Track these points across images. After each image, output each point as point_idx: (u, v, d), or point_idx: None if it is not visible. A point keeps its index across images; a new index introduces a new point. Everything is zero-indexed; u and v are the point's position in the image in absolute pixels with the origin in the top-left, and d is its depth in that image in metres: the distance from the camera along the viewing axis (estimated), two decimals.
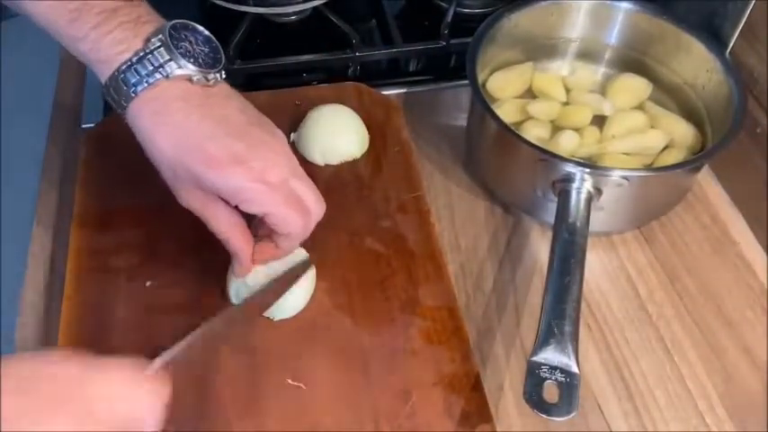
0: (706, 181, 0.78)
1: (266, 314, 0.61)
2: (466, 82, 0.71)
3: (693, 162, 0.70)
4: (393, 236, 0.68)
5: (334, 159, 0.73)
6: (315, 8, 0.88)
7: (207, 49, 0.54)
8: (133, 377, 0.44)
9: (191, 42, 0.54)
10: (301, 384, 0.58)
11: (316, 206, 0.57)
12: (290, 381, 0.58)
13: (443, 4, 0.93)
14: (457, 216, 0.74)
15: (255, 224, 0.58)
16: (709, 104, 0.76)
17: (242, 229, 0.57)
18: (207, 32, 0.55)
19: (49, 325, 0.64)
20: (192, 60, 0.53)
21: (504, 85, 0.78)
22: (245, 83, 0.86)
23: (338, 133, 0.73)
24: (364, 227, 0.68)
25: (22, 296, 0.66)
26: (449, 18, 0.88)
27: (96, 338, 0.59)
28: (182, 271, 0.62)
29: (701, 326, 0.67)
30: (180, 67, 0.52)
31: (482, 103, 0.69)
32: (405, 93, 0.85)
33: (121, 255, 0.64)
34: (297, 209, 0.55)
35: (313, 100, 0.76)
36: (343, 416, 0.56)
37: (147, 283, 0.63)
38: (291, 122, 0.75)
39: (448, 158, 0.79)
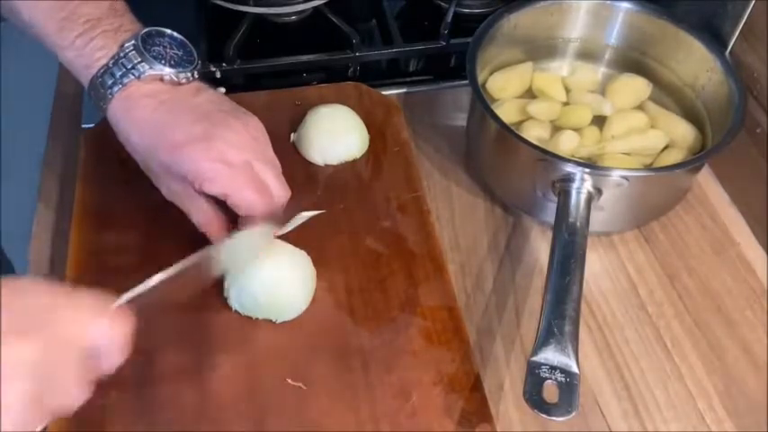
0: (706, 181, 0.78)
1: (268, 317, 0.61)
2: (466, 82, 0.71)
3: (693, 162, 0.70)
4: (393, 236, 0.68)
5: (334, 159, 0.73)
6: (315, 8, 0.88)
7: (180, 52, 0.58)
8: (99, 306, 0.45)
9: (164, 47, 0.57)
10: (301, 384, 0.58)
11: (279, 191, 0.58)
12: (290, 381, 0.58)
13: (443, 4, 0.93)
14: (457, 216, 0.74)
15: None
16: (709, 104, 0.76)
17: (220, 221, 0.59)
18: (181, 37, 0.59)
19: None
20: (163, 62, 0.56)
21: (504, 85, 0.78)
22: (245, 83, 0.86)
23: (338, 133, 0.73)
24: (364, 227, 0.68)
25: None
26: (449, 18, 0.88)
27: None
28: None
29: (701, 326, 0.67)
30: (151, 67, 0.56)
31: (482, 103, 0.69)
32: (405, 93, 0.85)
33: (121, 255, 0.64)
34: (258, 191, 0.57)
35: (313, 100, 0.76)
36: (343, 416, 0.56)
37: None
38: (291, 122, 0.75)
39: (448, 158, 0.79)
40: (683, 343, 0.66)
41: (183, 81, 0.57)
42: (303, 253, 0.63)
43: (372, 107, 0.78)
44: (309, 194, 0.70)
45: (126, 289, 0.62)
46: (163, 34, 0.58)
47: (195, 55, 0.59)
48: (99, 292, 0.45)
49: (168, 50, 0.57)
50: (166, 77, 0.56)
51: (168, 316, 0.60)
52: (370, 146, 0.75)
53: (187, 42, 0.59)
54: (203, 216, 0.59)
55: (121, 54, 0.55)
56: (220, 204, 0.58)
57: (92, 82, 0.56)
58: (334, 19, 0.87)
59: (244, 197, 0.56)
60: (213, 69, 0.84)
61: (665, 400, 0.62)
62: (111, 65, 0.55)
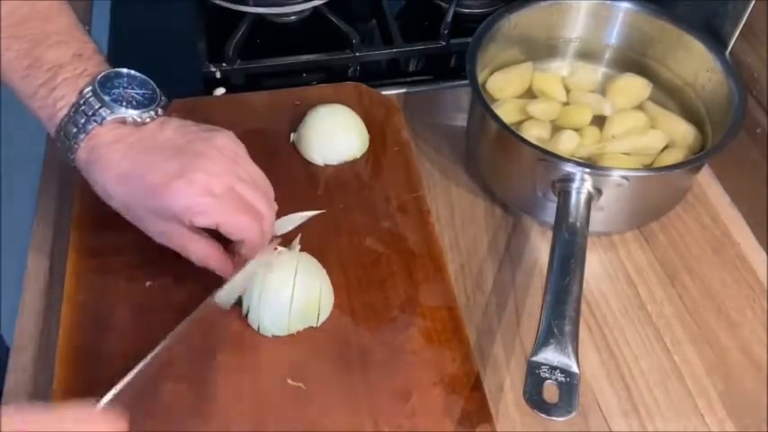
0: (706, 181, 0.78)
1: (308, 326, 0.61)
2: (466, 82, 0.71)
3: (693, 162, 0.70)
4: (393, 236, 0.68)
5: (334, 159, 0.73)
6: (315, 8, 0.88)
7: (142, 91, 0.57)
8: (88, 415, 0.45)
9: (123, 87, 0.56)
10: (301, 384, 0.58)
11: (267, 210, 0.58)
12: (290, 381, 0.58)
13: (443, 4, 0.93)
14: (457, 216, 0.74)
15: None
16: (709, 104, 0.76)
17: (217, 252, 0.58)
18: (141, 75, 0.58)
19: (49, 325, 0.64)
20: (124, 104, 0.55)
21: (504, 85, 0.78)
22: (245, 83, 0.86)
23: (338, 133, 0.73)
24: (364, 227, 0.68)
25: (22, 296, 0.66)
26: (449, 18, 0.88)
27: (96, 339, 0.59)
28: (182, 271, 0.62)
29: (701, 326, 0.67)
30: (112, 111, 0.54)
31: (482, 103, 0.69)
32: (405, 93, 0.85)
33: (121, 255, 0.64)
34: (248, 214, 0.56)
35: (313, 100, 0.76)
36: (343, 416, 0.56)
37: (147, 283, 0.63)
38: (291, 122, 0.75)
39: (448, 158, 0.79)
40: (683, 343, 0.66)
41: (148, 120, 0.56)
42: (306, 254, 0.63)
43: (372, 107, 0.78)
44: (309, 194, 0.70)
45: (125, 290, 0.63)
46: (121, 75, 0.57)
47: (157, 91, 0.57)
48: (79, 401, 0.45)
49: (128, 91, 0.56)
50: (129, 120, 0.55)
51: (169, 317, 0.61)
52: (370, 146, 0.75)
53: (147, 79, 0.58)
54: (201, 251, 0.58)
55: (81, 101, 0.54)
56: (212, 233, 0.57)
57: (57, 133, 0.55)
58: (334, 19, 0.88)
59: (236, 223, 0.56)
60: (213, 69, 0.84)
61: (665, 400, 0.62)
62: (72, 113, 0.54)
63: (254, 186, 0.57)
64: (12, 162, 1.69)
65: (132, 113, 0.55)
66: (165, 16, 0.93)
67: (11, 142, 1.74)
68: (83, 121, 0.54)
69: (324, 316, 0.61)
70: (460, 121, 0.81)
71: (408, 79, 0.88)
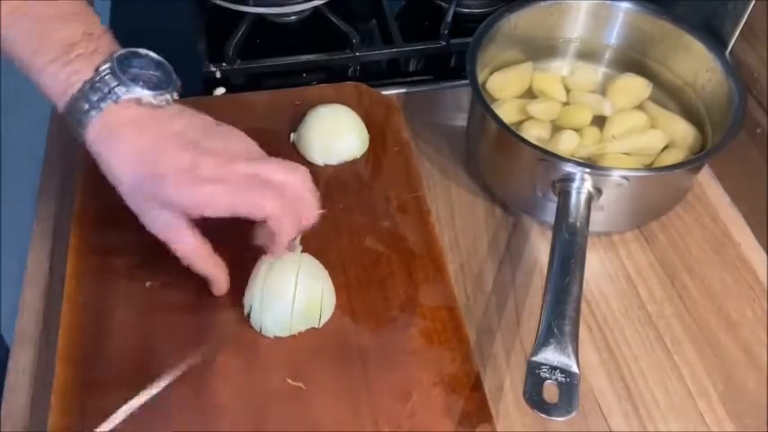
0: (706, 181, 0.78)
1: (309, 327, 0.61)
2: (466, 82, 0.71)
3: (693, 162, 0.70)
4: (393, 236, 0.68)
5: (334, 159, 0.73)
6: (315, 8, 0.88)
7: (158, 73, 0.56)
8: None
9: (141, 68, 0.55)
10: (301, 384, 0.58)
11: (289, 177, 0.56)
12: (290, 381, 0.58)
13: (443, 4, 0.93)
14: (457, 216, 0.74)
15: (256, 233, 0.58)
16: (709, 104, 0.76)
17: (205, 252, 0.58)
18: (159, 58, 0.57)
19: (49, 325, 0.64)
20: (140, 84, 0.54)
21: (504, 85, 0.78)
22: (245, 83, 0.86)
23: (338, 133, 0.73)
24: (364, 227, 0.68)
25: (22, 296, 0.66)
26: (449, 18, 0.88)
27: (96, 339, 0.59)
28: (182, 271, 0.62)
29: (701, 326, 0.67)
30: (128, 90, 0.53)
31: (482, 103, 0.69)
32: (405, 93, 0.85)
33: (121, 255, 0.64)
34: (263, 189, 0.54)
35: (313, 100, 0.76)
36: (343, 416, 0.56)
37: (147, 283, 0.63)
38: (291, 122, 0.75)
39: (448, 158, 0.79)
40: (683, 343, 0.66)
41: (162, 104, 0.55)
42: (308, 255, 0.63)
43: (372, 107, 0.78)
44: None
45: (125, 290, 0.63)
46: (140, 55, 0.56)
47: (174, 76, 0.57)
48: None
49: (145, 72, 0.55)
50: (144, 100, 0.54)
51: (169, 316, 0.61)
52: (370, 146, 0.75)
53: (165, 63, 0.57)
54: (187, 247, 0.57)
55: (97, 78, 0.53)
56: (206, 233, 0.57)
57: (67, 108, 0.54)
58: (334, 19, 0.88)
59: (248, 199, 0.54)
60: (213, 69, 0.84)
61: (665, 400, 0.62)
62: (86, 89, 0.53)
63: (270, 163, 0.56)
64: (12, 161, 1.69)
65: (147, 94, 0.54)
66: (165, 16, 0.93)
67: (11, 141, 1.74)
68: (97, 97, 0.53)
69: (326, 317, 0.61)
70: (460, 121, 0.81)
71: (408, 79, 0.88)
